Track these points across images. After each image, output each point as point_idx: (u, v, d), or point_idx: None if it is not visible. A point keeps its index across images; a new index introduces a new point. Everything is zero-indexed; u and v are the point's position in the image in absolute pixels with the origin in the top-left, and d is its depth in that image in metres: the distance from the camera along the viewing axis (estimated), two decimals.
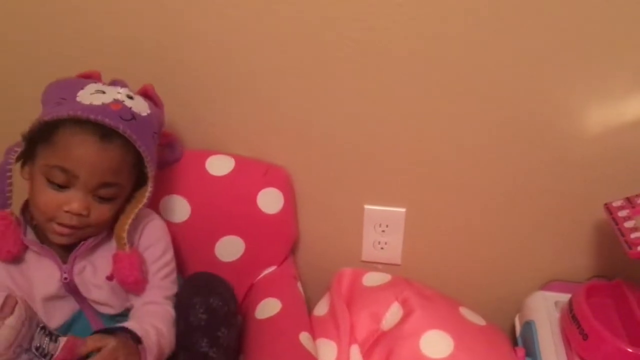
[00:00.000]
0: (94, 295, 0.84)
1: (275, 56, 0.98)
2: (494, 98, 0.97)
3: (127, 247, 0.83)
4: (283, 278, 1.06)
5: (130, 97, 0.82)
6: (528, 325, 1.00)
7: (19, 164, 0.81)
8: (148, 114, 0.83)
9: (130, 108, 0.80)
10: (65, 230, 0.79)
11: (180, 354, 0.84)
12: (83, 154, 0.77)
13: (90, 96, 0.79)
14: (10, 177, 0.79)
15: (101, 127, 0.77)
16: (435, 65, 0.95)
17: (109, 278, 0.84)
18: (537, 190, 1.04)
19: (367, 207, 1.10)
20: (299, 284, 1.06)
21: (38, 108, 0.83)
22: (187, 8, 0.96)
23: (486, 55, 0.93)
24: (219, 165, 1.03)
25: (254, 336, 0.94)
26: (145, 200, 0.83)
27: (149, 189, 0.84)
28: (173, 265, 0.90)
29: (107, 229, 0.85)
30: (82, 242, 0.82)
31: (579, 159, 0.99)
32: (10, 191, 0.80)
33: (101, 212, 0.80)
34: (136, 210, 0.83)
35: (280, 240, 1.08)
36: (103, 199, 0.80)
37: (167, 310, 0.85)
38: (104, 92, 0.80)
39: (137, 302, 0.86)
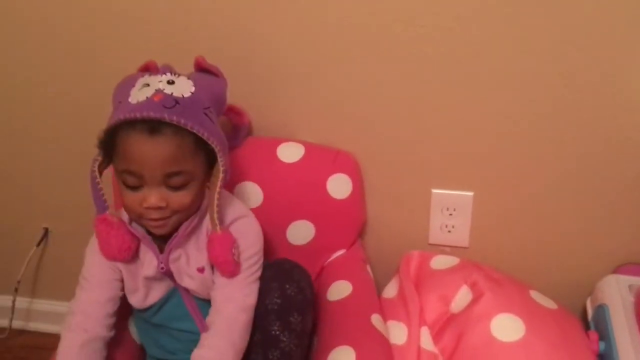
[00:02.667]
0: (186, 283, 0.90)
1: (344, 45, 0.99)
2: (563, 80, 0.96)
3: (217, 227, 0.85)
4: (352, 261, 1.09)
5: (171, 82, 0.83)
6: (601, 309, 1.00)
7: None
8: (192, 93, 0.83)
9: (172, 94, 0.81)
10: (157, 223, 0.84)
11: (256, 334, 0.88)
12: (139, 153, 0.79)
13: (137, 93, 0.82)
14: (98, 182, 0.85)
15: (149, 122, 0.79)
16: (503, 49, 0.95)
17: (200, 270, 0.89)
18: (610, 172, 1.02)
19: (434, 191, 1.10)
20: (368, 267, 1.09)
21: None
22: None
23: (551, 35, 0.92)
24: (290, 153, 1.06)
25: (326, 317, 0.98)
26: (221, 175, 0.84)
27: (220, 165, 0.84)
28: (257, 267, 0.90)
29: (198, 213, 0.88)
30: (176, 234, 0.87)
31: None
32: (104, 195, 0.86)
33: (179, 199, 0.83)
34: (217, 188, 0.84)
35: (349, 224, 1.10)
36: (176, 188, 0.83)
37: (240, 321, 0.86)
38: (148, 85, 0.82)
39: (217, 296, 0.88)
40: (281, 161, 1.05)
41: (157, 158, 0.79)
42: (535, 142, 1.03)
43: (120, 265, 0.89)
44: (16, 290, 1.32)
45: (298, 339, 0.88)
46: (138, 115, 0.78)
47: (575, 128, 1.00)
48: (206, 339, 0.85)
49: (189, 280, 0.89)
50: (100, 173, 0.86)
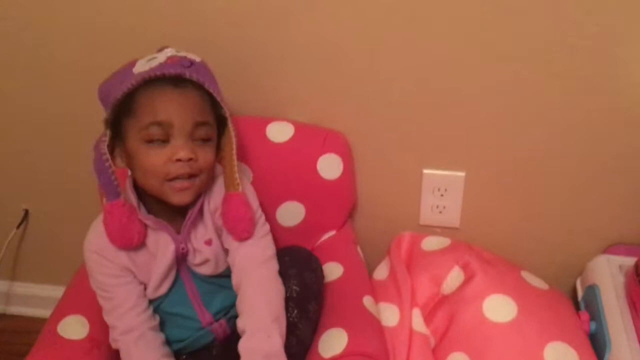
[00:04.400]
0: (196, 260, 0.87)
1: (334, 23, 0.97)
2: (557, 52, 0.95)
3: (239, 187, 0.85)
4: (343, 242, 1.07)
5: (179, 52, 0.84)
6: (591, 289, 1.00)
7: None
8: (202, 60, 0.85)
9: (186, 56, 0.83)
10: (185, 184, 0.81)
11: None
12: (168, 101, 0.79)
13: (146, 64, 0.80)
14: (110, 166, 0.80)
15: (170, 79, 0.79)
16: (497, 30, 0.94)
17: (208, 243, 0.87)
18: (601, 152, 1.02)
19: (425, 171, 1.09)
20: (358, 248, 1.08)
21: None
22: None
23: (549, 14, 0.91)
24: (279, 132, 1.04)
25: None
26: (234, 139, 0.85)
27: (231, 128, 0.85)
28: (264, 220, 0.91)
29: (210, 182, 0.87)
30: (191, 212, 0.85)
31: None
32: (117, 179, 0.81)
33: (205, 154, 0.82)
34: (234, 151, 0.85)
35: (339, 205, 1.08)
36: (202, 141, 0.82)
37: (267, 272, 0.86)
38: (155, 57, 0.82)
39: (235, 257, 0.86)
40: (270, 141, 1.03)
41: (187, 106, 0.80)
42: (527, 126, 1.01)
43: (128, 263, 0.85)
44: None
45: (312, 327, 0.89)
46: (158, 73, 0.78)
47: (568, 113, 0.99)
48: (242, 304, 0.84)
49: (199, 256, 0.87)
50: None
